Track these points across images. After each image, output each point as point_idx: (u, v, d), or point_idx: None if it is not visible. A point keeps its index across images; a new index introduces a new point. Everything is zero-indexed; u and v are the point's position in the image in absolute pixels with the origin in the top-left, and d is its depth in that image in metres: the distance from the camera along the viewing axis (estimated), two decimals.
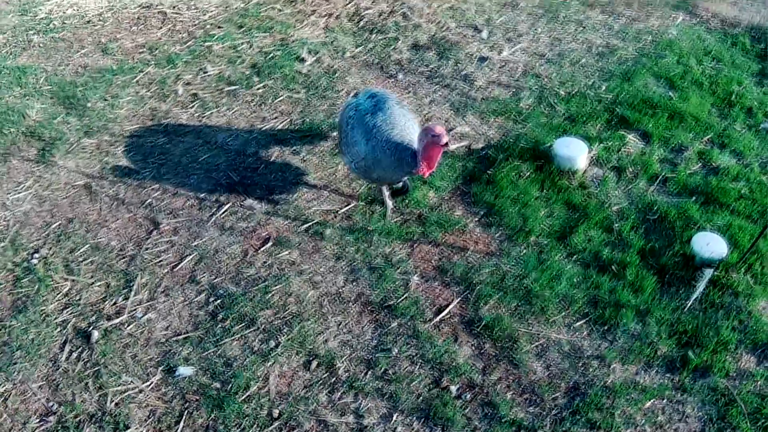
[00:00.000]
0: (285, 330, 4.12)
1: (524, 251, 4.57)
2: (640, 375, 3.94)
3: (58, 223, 4.77)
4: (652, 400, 3.83)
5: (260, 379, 3.90)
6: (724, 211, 4.88)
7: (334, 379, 3.91)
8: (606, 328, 4.17)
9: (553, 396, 3.85)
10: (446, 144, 4.01)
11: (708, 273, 4.33)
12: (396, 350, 4.03)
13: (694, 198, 4.96)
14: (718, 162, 5.26)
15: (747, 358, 4.04)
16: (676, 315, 4.21)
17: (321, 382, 3.90)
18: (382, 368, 3.95)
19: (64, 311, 4.25)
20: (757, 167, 5.24)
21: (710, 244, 4.46)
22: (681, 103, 5.83)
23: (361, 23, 6.80)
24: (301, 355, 4.02)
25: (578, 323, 4.19)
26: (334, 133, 5.42)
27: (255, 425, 3.72)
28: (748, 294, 4.32)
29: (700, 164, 5.26)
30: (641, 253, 4.58)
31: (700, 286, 4.29)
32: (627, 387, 3.87)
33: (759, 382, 3.91)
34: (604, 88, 5.97)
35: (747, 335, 4.12)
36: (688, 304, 4.25)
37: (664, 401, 3.84)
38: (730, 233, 4.66)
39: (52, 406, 3.81)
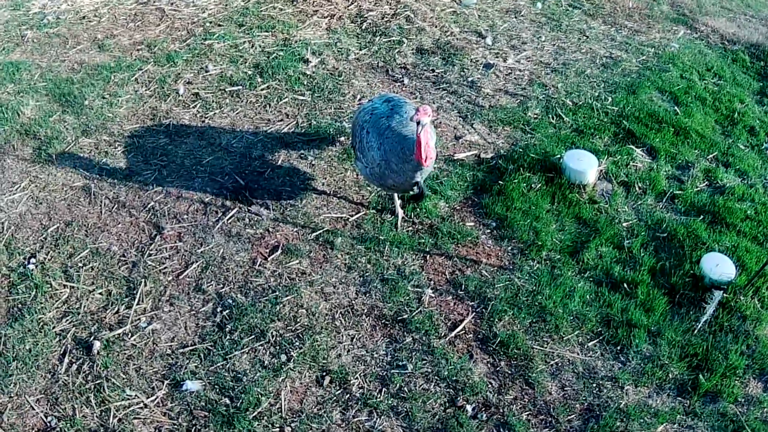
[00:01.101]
0: (296, 343, 4.01)
1: (537, 266, 4.51)
2: (653, 398, 3.90)
3: (55, 227, 4.61)
4: (664, 425, 3.78)
5: (271, 395, 3.79)
6: (731, 231, 4.86)
7: (348, 396, 3.81)
8: (618, 348, 4.12)
9: (568, 418, 3.79)
10: (418, 122, 3.88)
11: (717, 295, 4.30)
12: (411, 367, 3.94)
13: (701, 217, 4.94)
14: (723, 181, 5.25)
15: (754, 383, 4.02)
16: (687, 337, 4.17)
17: (334, 399, 3.80)
18: (397, 385, 3.86)
19: (63, 320, 4.10)
20: (761, 188, 5.25)
21: (719, 266, 4.43)
22: (686, 118, 5.81)
23: (364, 25, 6.69)
24: (313, 370, 3.91)
25: (591, 342, 4.14)
26: (342, 138, 5.31)
27: None
28: (756, 318, 4.30)
29: (706, 182, 5.24)
30: (652, 271, 4.54)
31: (710, 309, 4.26)
32: (640, 410, 3.82)
33: (766, 409, 3.88)
34: (609, 100, 5.93)
35: (755, 360, 4.10)
36: (698, 327, 4.21)
37: (676, 426, 3.79)
38: (737, 255, 4.64)
39: (51, 420, 3.67)
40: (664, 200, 5.07)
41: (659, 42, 6.86)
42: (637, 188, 5.13)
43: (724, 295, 4.35)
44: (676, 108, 5.94)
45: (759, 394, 3.96)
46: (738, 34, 7.21)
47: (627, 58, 6.56)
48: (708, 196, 5.11)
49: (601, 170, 5.19)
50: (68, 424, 3.64)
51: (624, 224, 4.84)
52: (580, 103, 5.89)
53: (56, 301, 4.19)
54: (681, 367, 4.03)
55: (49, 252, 4.45)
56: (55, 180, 4.93)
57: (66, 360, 3.91)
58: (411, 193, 4.55)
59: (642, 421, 3.78)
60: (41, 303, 4.16)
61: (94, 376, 3.84)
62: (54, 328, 4.05)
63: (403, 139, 4.11)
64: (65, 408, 3.71)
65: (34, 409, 3.70)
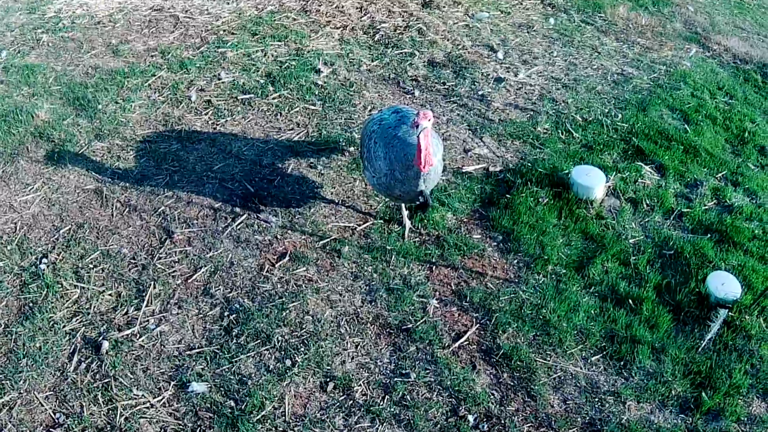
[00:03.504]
0: (301, 349, 4.04)
1: (542, 280, 4.53)
2: (655, 414, 3.90)
3: (67, 228, 4.66)
4: None
5: (275, 399, 3.82)
6: (738, 250, 4.86)
7: (351, 402, 3.84)
8: (622, 363, 4.12)
9: (569, 431, 3.79)
10: (416, 124, 3.96)
11: (723, 313, 4.30)
12: (414, 375, 3.96)
13: (708, 235, 4.94)
14: (732, 200, 5.26)
15: (758, 403, 4.01)
16: (691, 355, 4.17)
17: (338, 404, 3.82)
18: (400, 393, 3.88)
19: (73, 319, 4.14)
20: None
21: (725, 284, 4.44)
22: (695, 137, 5.83)
23: (377, 37, 6.76)
24: (317, 375, 3.94)
25: (595, 357, 4.14)
26: (351, 148, 5.35)
27: None
28: (761, 338, 4.29)
29: (714, 201, 5.25)
30: (657, 288, 4.54)
31: (715, 327, 4.26)
32: (642, 426, 3.82)
33: None
34: (620, 117, 5.96)
35: (759, 380, 4.09)
36: (703, 345, 4.21)
37: None
38: (744, 274, 4.64)
39: (59, 417, 3.70)
40: (671, 218, 5.08)
41: (671, 60, 6.90)
42: (644, 205, 5.15)
43: (730, 313, 4.35)
44: (686, 126, 5.97)
45: (762, 413, 3.95)
46: (751, 53, 7.23)
47: (638, 75, 6.59)
48: (716, 214, 5.12)
49: (609, 186, 5.22)
50: (76, 421, 3.67)
51: (630, 241, 4.85)
52: (590, 119, 5.92)
53: (67, 300, 4.23)
54: (684, 384, 4.03)
55: (60, 253, 4.50)
56: (68, 182, 4.98)
57: (75, 359, 3.95)
58: (417, 202, 4.60)
59: None
60: (52, 302, 4.21)
61: (102, 375, 3.88)
62: (64, 327, 4.09)
63: (407, 146, 4.16)
64: (73, 405, 3.75)
65: (42, 405, 3.74)
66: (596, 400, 3.94)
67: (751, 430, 3.86)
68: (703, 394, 3.98)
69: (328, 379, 3.92)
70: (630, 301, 4.44)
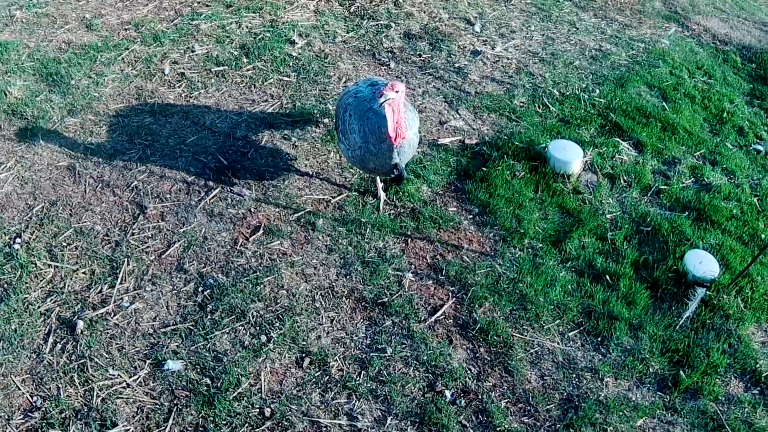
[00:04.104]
0: (276, 324, 4.01)
1: (519, 254, 4.52)
2: (633, 391, 3.91)
3: (40, 206, 4.57)
4: (643, 419, 3.78)
5: (251, 375, 3.79)
6: (716, 230, 4.88)
7: (327, 378, 3.81)
8: (599, 339, 4.13)
9: (547, 407, 3.80)
10: (381, 94, 3.92)
11: (700, 292, 4.31)
12: (390, 350, 3.95)
13: (686, 213, 4.95)
14: (710, 179, 5.26)
15: (735, 383, 4.03)
16: (668, 332, 4.18)
17: (314, 380, 3.80)
18: (376, 369, 3.86)
19: (48, 299, 4.07)
20: (747, 188, 5.26)
21: (703, 263, 4.44)
22: (674, 114, 5.83)
23: (352, 8, 6.69)
24: (293, 351, 3.91)
25: (572, 333, 4.15)
26: (326, 120, 5.30)
27: (246, 424, 3.60)
28: (738, 318, 4.31)
29: (692, 179, 5.26)
30: (635, 265, 4.54)
31: (693, 305, 4.27)
32: (620, 403, 3.83)
33: (746, 409, 3.89)
34: (597, 92, 5.94)
35: (736, 360, 4.11)
36: (680, 322, 4.22)
37: (656, 421, 3.80)
38: (722, 253, 4.65)
39: (36, 401, 3.64)
40: (649, 194, 5.09)
41: (650, 38, 6.88)
42: (622, 181, 5.15)
43: (707, 292, 4.36)
44: (664, 104, 5.96)
45: (740, 393, 3.97)
46: (730, 35, 7.23)
47: (616, 51, 6.57)
48: (694, 192, 5.13)
49: (586, 161, 5.21)
50: (53, 404, 3.61)
51: (608, 216, 4.85)
52: (568, 93, 5.90)
53: (41, 280, 4.16)
54: (662, 362, 4.04)
55: (34, 232, 4.42)
56: (41, 159, 4.89)
57: (50, 340, 3.89)
58: (392, 175, 4.56)
59: (621, 414, 3.79)
60: (26, 283, 4.13)
61: (78, 356, 3.82)
62: (39, 308, 4.02)
63: (382, 119, 4.11)
64: (50, 388, 3.69)
65: (20, 389, 3.68)
66: (573, 376, 3.95)
67: (728, 410, 3.88)
68: (681, 372, 3.99)
69: (303, 355, 3.90)
70: (607, 276, 4.45)
